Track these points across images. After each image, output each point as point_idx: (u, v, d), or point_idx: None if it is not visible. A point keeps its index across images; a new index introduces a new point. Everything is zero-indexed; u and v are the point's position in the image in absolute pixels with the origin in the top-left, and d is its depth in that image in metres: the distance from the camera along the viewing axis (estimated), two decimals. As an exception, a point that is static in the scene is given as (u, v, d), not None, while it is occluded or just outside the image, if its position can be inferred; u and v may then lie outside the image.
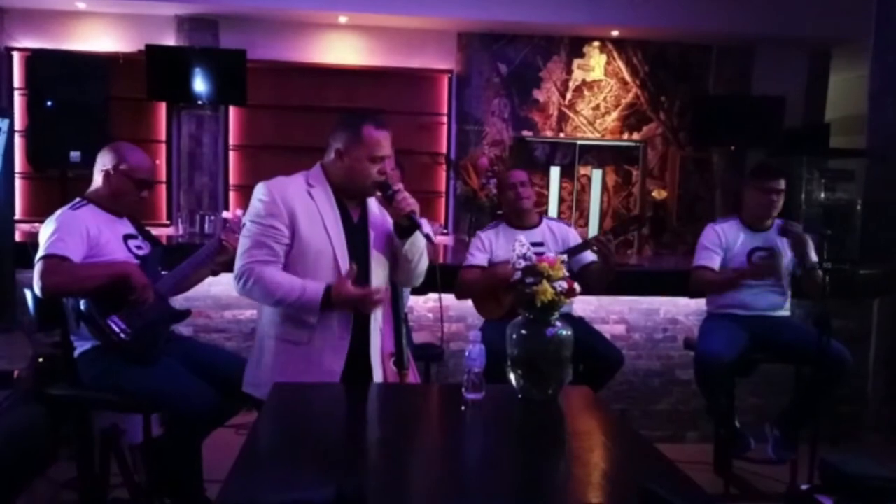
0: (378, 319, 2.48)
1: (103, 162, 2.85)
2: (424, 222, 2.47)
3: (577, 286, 2.16)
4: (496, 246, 3.64)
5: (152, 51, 6.05)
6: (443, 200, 6.99)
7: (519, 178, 3.73)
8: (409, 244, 2.39)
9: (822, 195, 5.03)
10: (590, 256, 3.56)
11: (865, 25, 4.95)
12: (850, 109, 6.32)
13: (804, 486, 2.72)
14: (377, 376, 2.44)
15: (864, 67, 4.98)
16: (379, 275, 2.45)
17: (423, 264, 2.52)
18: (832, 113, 7.04)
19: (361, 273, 2.37)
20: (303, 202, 2.37)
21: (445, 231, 6.69)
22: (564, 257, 2.22)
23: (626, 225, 3.85)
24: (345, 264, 2.34)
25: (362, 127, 2.37)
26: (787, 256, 3.60)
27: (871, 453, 4.11)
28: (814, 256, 3.54)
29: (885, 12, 4.78)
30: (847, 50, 6.71)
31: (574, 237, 3.73)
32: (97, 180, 2.86)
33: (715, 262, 3.61)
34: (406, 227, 2.38)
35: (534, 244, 3.42)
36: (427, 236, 2.40)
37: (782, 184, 3.59)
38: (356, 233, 2.43)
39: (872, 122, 4.83)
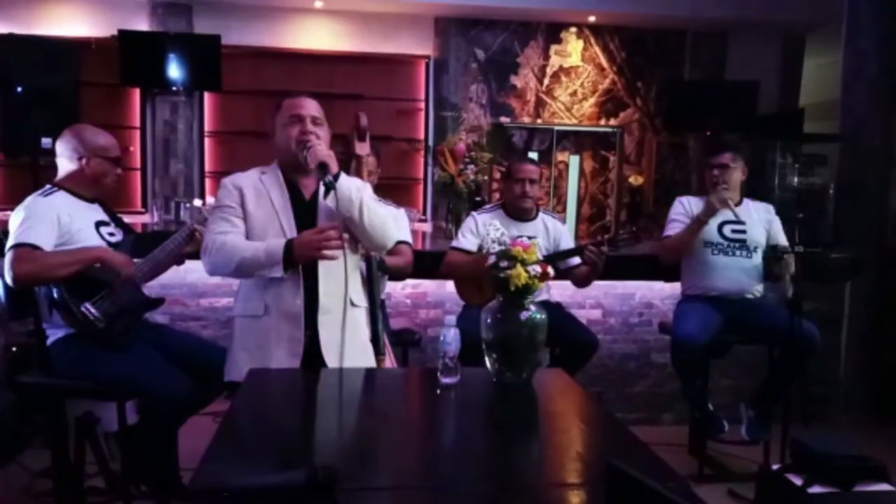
0: (336, 285, 2.44)
1: (73, 148, 2.81)
2: (354, 181, 2.44)
3: (550, 270, 2.17)
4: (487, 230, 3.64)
5: (125, 36, 5.97)
6: (421, 187, 6.98)
7: (528, 174, 3.67)
8: (331, 201, 2.33)
9: (796, 179, 5.08)
10: (576, 259, 3.58)
11: (838, 10, 4.99)
12: (825, 95, 6.37)
13: (775, 466, 2.77)
14: (327, 350, 2.40)
15: (838, 52, 5.02)
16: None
17: (375, 222, 2.41)
18: (807, 98, 7.10)
19: None
20: (252, 184, 2.48)
21: (424, 217, 6.68)
22: (538, 240, 2.22)
23: (624, 239, 3.75)
24: (291, 232, 2.40)
25: (282, 101, 2.53)
26: (761, 232, 3.64)
27: (842, 433, 4.18)
28: (784, 241, 3.60)
29: (857, -3, 4.82)
30: (821, 35, 6.76)
31: (566, 238, 3.75)
32: (66, 167, 2.82)
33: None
34: (324, 182, 2.32)
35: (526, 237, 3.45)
36: (329, 184, 2.29)
37: (726, 157, 3.61)
38: (305, 208, 2.47)
39: (845, 107, 4.88)
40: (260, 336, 2.41)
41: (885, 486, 2.50)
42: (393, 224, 2.55)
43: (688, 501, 0.92)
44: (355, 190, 2.40)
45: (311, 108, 2.48)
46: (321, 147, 2.38)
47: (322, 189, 2.34)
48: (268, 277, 2.37)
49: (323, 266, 2.41)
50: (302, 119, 2.45)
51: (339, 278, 2.44)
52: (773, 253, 3.54)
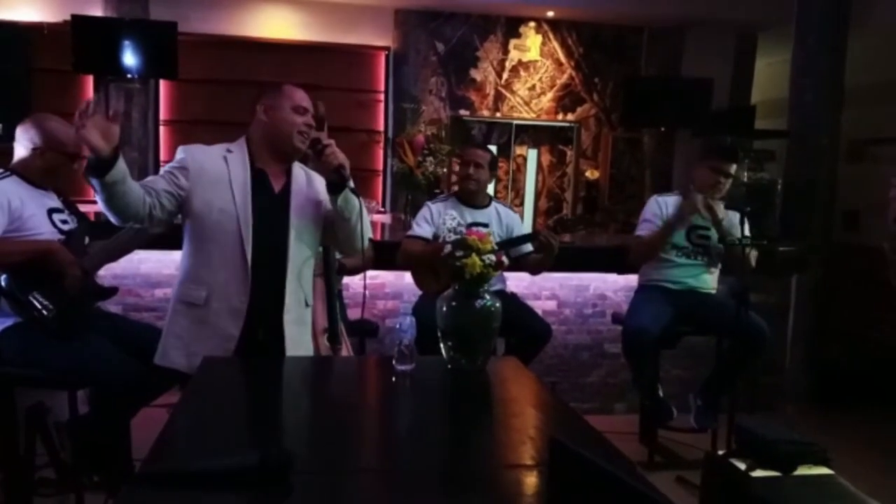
0: (299, 285, 2.45)
1: (30, 138, 2.75)
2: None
3: (505, 259, 2.20)
4: (443, 219, 3.66)
5: (78, 21, 5.84)
6: (380, 178, 6.98)
7: (474, 157, 3.69)
8: (341, 200, 2.36)
9: (746, 174, 5.20)
10: (528, 247, 3.62)
11: (789, 9, 5.11)
12: (776, 92, 6.51)
13: (721, 452, 2.84)
14: (291, 345, 2.41)
15: (788, 51, 5.14)
16: (300, 243, 2.44)
17: (365, 225, 2.46)
18: (758, 95, 7.26)
19: (280, 241, 2.40)
20: (214, 163, 2.41)
21: (383, 209, 6.69)
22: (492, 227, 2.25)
23: (574, 223, 3.84)
24: (246, 226, 2.35)
25: (283, 84, 2.50)
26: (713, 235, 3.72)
27: (788, 421, 4.30)
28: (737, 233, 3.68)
29: (806, -3, 4.94)
30: (772, 34, 6.92)
31: (518, 226, 3.78)
32: (21, 153, 2.77)
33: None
34: (336, 183, 2.36)
35: (479, 224, 3.49)
36: (354, 191, 2.37)
37: (733, 168, 3.70)
38: (275, 202, 2.43)
39: (794, 105, 5.01)
40: (193, 328, 2.38)
41: (824, 470, 2.59)
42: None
43: (630, 476, 0.96)
44: (355, 196, 2.42)
45: (313, 109, 2.50)
46: (339, 152, 2.37)
47: (326, 185, 2.38)
48: (216, 262, 2.35)
49: (292, 264, 2.40)
50: (306, 112, 2.45)
51: (298, 277, 2.45)
52: (727, 243, 3.58)
